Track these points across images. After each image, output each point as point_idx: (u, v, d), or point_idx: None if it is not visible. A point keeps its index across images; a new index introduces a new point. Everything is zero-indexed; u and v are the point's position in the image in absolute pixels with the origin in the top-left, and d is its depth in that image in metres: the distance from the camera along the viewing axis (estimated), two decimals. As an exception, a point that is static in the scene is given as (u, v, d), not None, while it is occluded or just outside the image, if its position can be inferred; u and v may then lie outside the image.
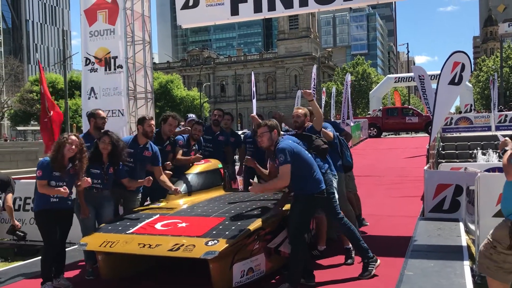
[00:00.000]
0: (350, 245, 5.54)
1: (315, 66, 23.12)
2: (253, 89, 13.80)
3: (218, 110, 8.09)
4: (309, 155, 5.04)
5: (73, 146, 5.05)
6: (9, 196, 7.42)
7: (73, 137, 5.14)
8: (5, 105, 51.78)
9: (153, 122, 6.24)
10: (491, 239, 3.81)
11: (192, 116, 7.89)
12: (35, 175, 5.29)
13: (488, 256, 3.78)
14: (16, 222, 7.31)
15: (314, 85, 22.30)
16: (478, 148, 16.40)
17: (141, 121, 6.19)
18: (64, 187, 5.00)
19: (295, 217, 4.93)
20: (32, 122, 57.25)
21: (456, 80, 8.40)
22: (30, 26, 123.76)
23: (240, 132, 9.87)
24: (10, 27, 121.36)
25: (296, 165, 4.77)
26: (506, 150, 3.73)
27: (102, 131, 5.83)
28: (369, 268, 5.04)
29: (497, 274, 3.75)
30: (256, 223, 4.80)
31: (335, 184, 5.50)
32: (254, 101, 12.70)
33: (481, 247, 3.92)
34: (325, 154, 5.52)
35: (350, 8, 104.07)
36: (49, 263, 5.09)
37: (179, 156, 6.65)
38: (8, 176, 7.82)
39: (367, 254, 5.10)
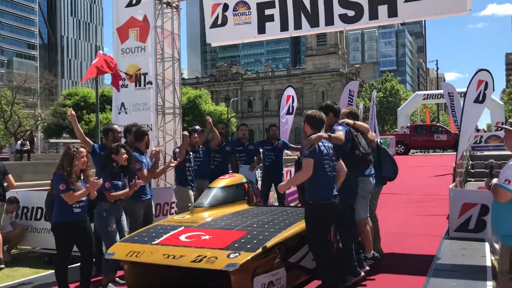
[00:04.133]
0: (371, 254, 5.62)
1: (356, 83, 20.03)
2: (293, 104, 13.03)
3: (221, 123, 9.05)
4: (326, 162, 4.90)
5: (84, 159, 5.31)
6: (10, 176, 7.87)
7: (82, 149, 5.38)
8: (39, 118, 53.40)
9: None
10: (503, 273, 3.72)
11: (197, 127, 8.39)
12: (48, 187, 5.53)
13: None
14: None
15: (351, 101, 17.11)
16: None
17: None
18: (96, 178, 5.28)
19: (306, 227, 5.04)
20: (64, 135, 58.79)
21: (480, 98, 8.37)
22: (64, 42, 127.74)
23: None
24: (46, 43, 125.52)
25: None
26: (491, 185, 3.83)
27: (115, 144, 6.02)
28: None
29: None
30: (278, 237, 4.88)
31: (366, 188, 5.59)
32: (291, 116, 12.61)
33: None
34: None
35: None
36: (64, 274, 5.27)
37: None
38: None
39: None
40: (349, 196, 5.30)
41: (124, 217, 5.90)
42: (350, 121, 5.54)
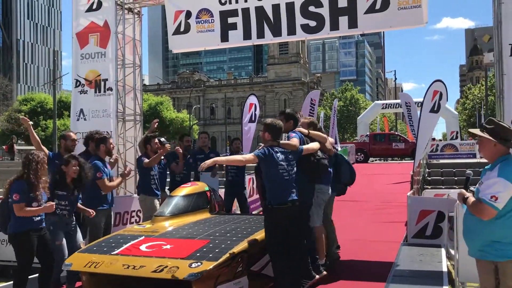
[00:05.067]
0: (323, 261, 5.76)
1: (318, 92, 20.32)
2: (255, 112, 12.77)
3: (187, 136, 9.28)
4: (281, 166, 5.08)
5: (45, 165, 5.14)
6: None
7: (42, 155, 5.19)
8: (-8, 124, 51.40)
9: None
10: None
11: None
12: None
13: None
14: None
15: (312, 109, 17.92)
16: None
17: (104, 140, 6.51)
18: (50, 202, 5.08)
19: (264, 231, 5.19)
20: (19, 142, 56.70)
21: (435, 108, 8.67)
22: (21, 46, 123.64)
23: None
24: (0, 46, 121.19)
25: (264, 168, 5.16)
26: (467, 198, 3.57)
27: (67, 155, 5.82)
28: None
29: None
30: (240, 246, 4.87)
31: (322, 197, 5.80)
32: (254, 124, 12.56)
33: None
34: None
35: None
36: (23, 286, 5.07)
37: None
38: None
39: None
40: (306, 207, 5.50)
41: (78, 230, 5.71)
42: (304, 130, 5.71)
